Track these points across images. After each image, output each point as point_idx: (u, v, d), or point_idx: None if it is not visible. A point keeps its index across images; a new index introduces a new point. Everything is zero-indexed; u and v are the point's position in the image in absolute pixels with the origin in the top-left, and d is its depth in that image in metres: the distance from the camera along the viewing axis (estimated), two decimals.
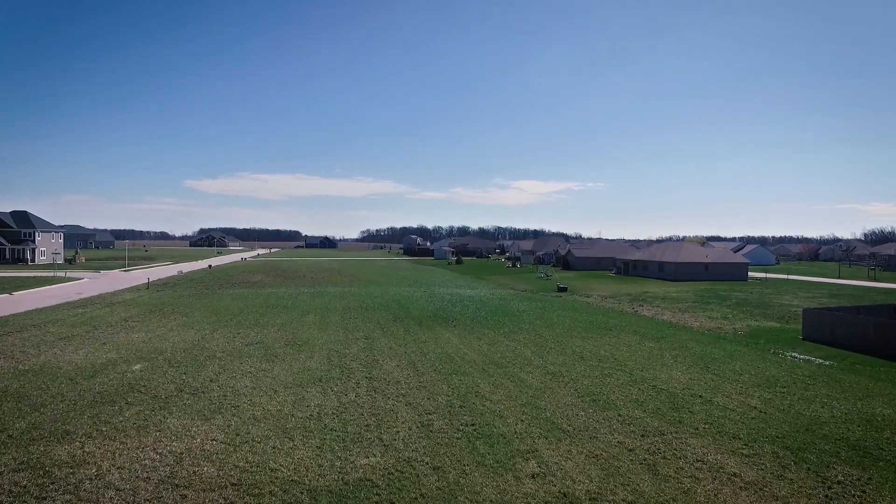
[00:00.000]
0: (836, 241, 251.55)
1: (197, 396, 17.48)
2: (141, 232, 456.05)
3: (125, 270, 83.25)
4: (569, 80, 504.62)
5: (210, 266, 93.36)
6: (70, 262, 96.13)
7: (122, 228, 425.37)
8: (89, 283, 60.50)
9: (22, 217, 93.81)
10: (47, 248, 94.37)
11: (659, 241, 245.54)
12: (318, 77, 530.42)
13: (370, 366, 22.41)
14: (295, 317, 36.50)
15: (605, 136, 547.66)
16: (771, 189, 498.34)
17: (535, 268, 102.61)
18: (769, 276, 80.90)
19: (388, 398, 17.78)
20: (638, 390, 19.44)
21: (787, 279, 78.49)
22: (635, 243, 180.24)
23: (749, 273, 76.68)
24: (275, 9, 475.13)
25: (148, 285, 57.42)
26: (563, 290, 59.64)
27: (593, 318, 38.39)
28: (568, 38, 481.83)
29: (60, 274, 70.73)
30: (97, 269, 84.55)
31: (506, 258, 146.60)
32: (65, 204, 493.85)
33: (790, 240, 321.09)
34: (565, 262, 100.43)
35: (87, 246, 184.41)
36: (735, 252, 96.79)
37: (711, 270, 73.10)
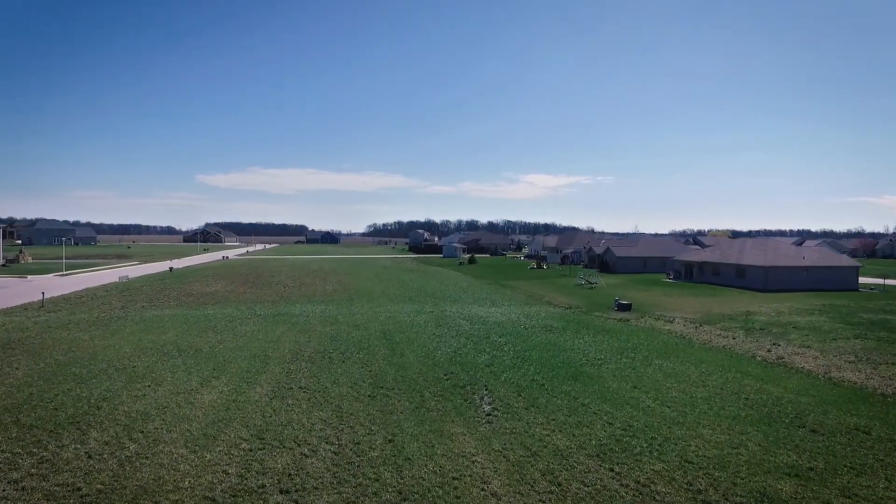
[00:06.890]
0: (862, 234, 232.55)
1: None
2: (147, 227, 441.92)
3: (61, 275, 66.91)
4: (578, 73, 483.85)
5: (171, 269, 76.75)
6: (7, 264, 80.00)
7: (129, 223, 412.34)
8: None
9: None
10: None
11: (673, 235, 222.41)
12: (329, 72, 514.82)
13: None
14: (189, 387, 19.58)
15: (614, 130, 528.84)
16: (780, 182, 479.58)
17: (565, 269, 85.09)
18: (886, 282, 62.51)
19: None
20: None
21: None
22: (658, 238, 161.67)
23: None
24: (287, 3, 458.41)
25: (42, 303, 40.88)
26: (626, 307, 42.22)
27: (736, 385, 21.10)
28: (577, 30, 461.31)
29: None
30: (29, 272, 68.27)
31: (526, 257, 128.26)
32: (75, 199, 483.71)
33: (809, 234, 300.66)
34: (603, 263, 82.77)
35: (62, 242, 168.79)
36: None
37: (811, 276, 55.34)
